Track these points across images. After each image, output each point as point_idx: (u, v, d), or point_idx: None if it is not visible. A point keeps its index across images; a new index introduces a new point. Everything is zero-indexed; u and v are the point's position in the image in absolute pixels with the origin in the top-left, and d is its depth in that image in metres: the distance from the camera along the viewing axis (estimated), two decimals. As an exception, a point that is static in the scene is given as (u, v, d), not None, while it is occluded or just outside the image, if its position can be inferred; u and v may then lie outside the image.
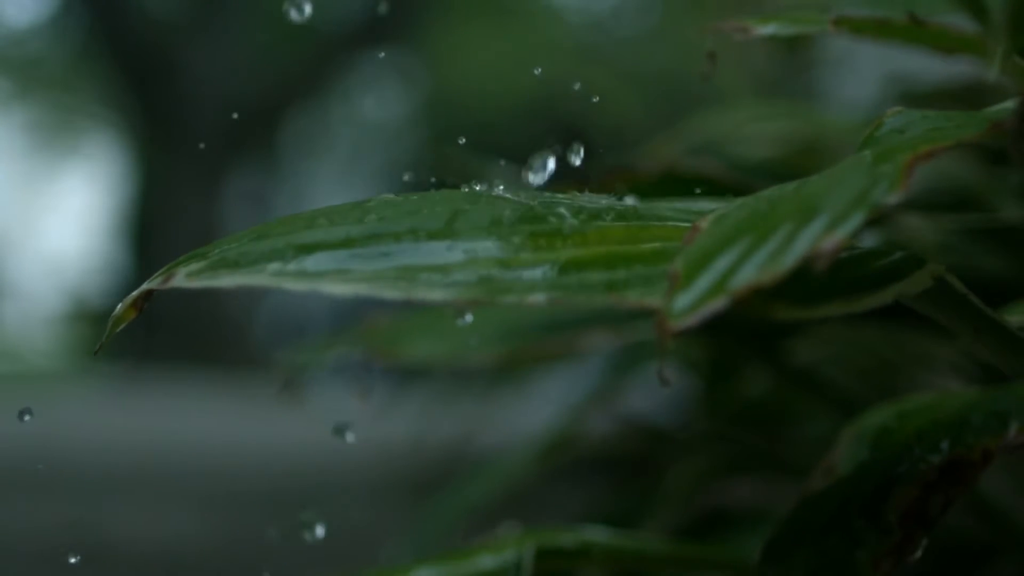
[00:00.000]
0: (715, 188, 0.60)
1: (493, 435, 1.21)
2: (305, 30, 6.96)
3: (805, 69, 1.38)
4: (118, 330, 0.36)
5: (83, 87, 8.15)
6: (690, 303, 0.31)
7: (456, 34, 7.17)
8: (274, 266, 0.33)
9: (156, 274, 0.35)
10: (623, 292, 0.33)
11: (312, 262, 0.33)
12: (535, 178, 0.47)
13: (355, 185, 8.44)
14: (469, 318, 0.53)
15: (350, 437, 0.58)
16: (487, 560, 0.50)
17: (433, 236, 0.34)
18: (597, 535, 0.53)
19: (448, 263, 0.33)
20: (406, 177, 0.49)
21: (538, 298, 0.32)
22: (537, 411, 1.05)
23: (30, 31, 7.70)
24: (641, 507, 0.79)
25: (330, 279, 0.32)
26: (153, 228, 6.59)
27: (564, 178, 0.65)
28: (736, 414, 0.82)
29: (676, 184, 0.60)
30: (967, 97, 0.70)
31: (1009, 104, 0.41)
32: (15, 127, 9.03)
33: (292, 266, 0.33)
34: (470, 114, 7.02)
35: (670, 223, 0.37)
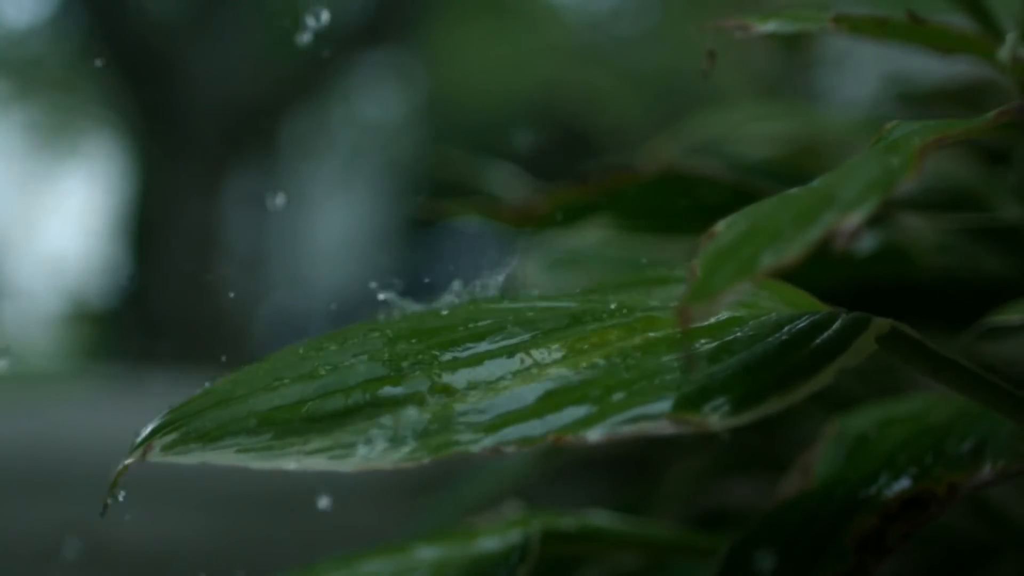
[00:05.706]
0: (716, 188, 0.60)
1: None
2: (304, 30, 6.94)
3: (804, 69, 1.38)
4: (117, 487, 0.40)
5: (83, 87, 8.14)
6: (711, 290, 0.31)
7: (456, 34, 7.16)
8: (239, 440, 0.37)
9: (134, 445, 0.39)
10: (573, 431, 0.36)
11: (272, 437, 0.36)
12: None
13: (355, 185, 8.44)
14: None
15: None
16: (491, 542, 0.50)
17: (383, 383, 0.38)
18: (600, 519, 0.53)
19: (395, 423, 0.36)
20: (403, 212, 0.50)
21: (485, 445, 0.35)
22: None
23: (30, 31, 7.70)
24: (641, 507, 0.79)
25: (289, 457, 0.36)
26: (153, 228, 6.59)
27: (565, 179, 0.65)
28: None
29: (676, 184, 0.60)
30: (966, 97, 0.70)
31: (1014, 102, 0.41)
32: (15, 127, 9.03)
33: (254, 441, 0.36)
34: (470, 115, 7.02)
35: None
